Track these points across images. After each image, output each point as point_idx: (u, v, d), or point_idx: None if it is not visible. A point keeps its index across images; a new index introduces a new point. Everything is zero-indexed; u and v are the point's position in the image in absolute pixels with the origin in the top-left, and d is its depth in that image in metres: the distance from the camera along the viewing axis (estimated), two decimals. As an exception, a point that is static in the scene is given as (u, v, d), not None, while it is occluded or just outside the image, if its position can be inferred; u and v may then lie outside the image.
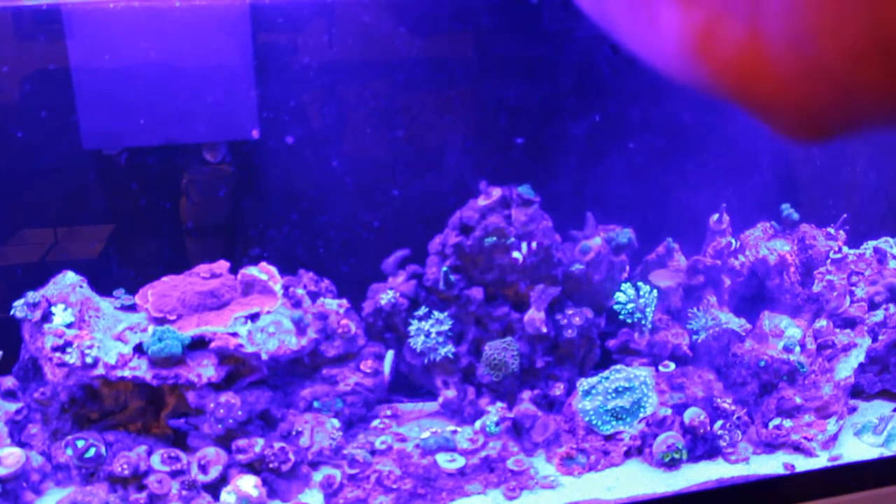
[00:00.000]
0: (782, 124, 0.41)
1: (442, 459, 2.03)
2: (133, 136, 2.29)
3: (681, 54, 0.41)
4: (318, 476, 2.07)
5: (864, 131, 0.41)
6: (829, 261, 2.51)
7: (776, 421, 2.24)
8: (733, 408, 2.24)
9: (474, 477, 2.06)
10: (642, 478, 2.14)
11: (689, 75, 0.42)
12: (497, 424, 2.12)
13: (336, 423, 2.15)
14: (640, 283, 2.34)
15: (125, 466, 1.92)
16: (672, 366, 2.30)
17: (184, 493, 1.92)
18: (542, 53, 2.47)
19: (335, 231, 2.48)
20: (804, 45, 0.37)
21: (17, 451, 1.95)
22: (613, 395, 2.23)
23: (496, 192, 2.24)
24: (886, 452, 2.23)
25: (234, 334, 2.05)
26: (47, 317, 2.02)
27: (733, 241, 2.51)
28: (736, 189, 2.63)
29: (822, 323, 2.39)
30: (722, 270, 2.52)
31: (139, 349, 2.00)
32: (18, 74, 2.20)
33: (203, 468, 1.98)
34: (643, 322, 2.32)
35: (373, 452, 2.08)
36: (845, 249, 2.55)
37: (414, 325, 2.25)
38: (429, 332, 2.23)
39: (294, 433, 2.10)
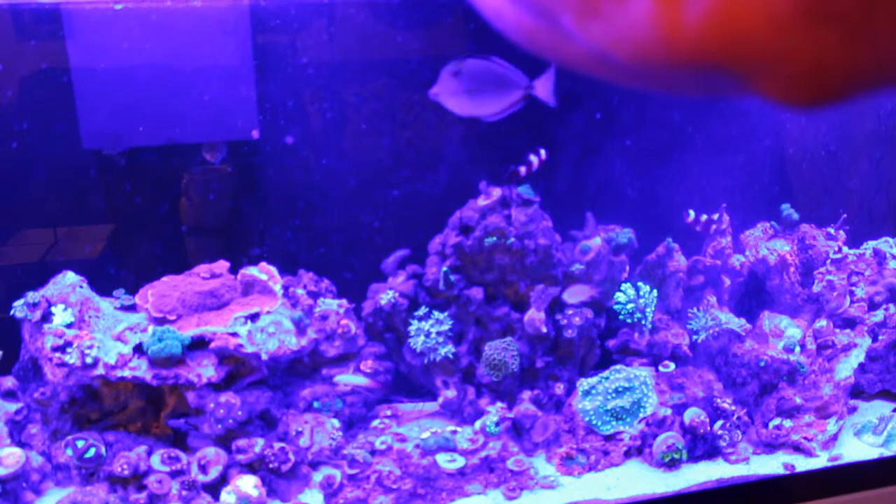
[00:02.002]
0: (778, 86, 0.33)
1: (442, 459, 2.03)
2: (133, 136, 2.29)
3: (649, 28, 0.34)
4: (318, 476, 2.07)
5: (876, 90, 0.33)
6: (829, 261, 2.51)
7: (776, 421, 2.24)
8: (733, 408, 2.24)
9: (474, 477, 2.06)
10: (642, 478, 2.14)
11: (659, 55, 0.34)
12: (497, 424, 2.12)
13: (336, 423, 2.15)
14: (640, 283, 2.34)
15: (125, 466, 1.92)
16: (672, 366, 2.30)
17: (184, 493, 1.92)
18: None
19: (335, 231, 2.48)
20: None
21: (17, 451, 1.95)
22: (613, 395, 2.23)
23: (496, 192, 2.24)
24: (886, 452, 2.23)
25: (234, 334, 2.05)
26: (47, 317, 2.02)
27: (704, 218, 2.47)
28: (736, 189, 2.63)
29: (822, 323, 2.39)
30: (722, 270, 2.52)
31: (139, 349, 2.00)
32: (18, 74, 2.20)
33: (203, 468, 1.98)
34: (643, 322, 2.32)
35: (373, 452, 2.08)
36: (845, 249, 2.55)
37: (414, 325, 2.25)
38: (429, 332, 2.23)
39: (294, 433, 2.10)
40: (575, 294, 2.26)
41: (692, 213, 2.36)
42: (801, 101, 0.33)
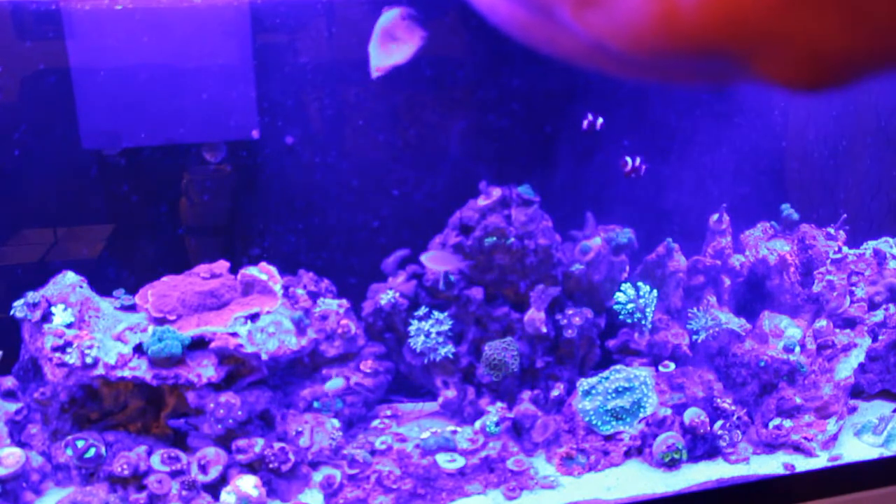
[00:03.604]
0: (778, 69, 0.33)
1: (442, 459, 2.03)
2: (133, 136, 2.29)
3: (646, 14, 0.33)
4: (318, 476, 2.07)
5: (876, 73, 0.33)
6: (829, 261, 2.51)
7: (776, 421, 2.24)
8: (733, 408, 2.24)
9: (474, 477, 2.06)
10: (642, 478, 2.14)
11: (658, 42, 0.34)
12: (497, 424, 2.12)
13: (336, 423, 2.15)
14: (640, 283, 2.34)
15: (125, 466, 1.92)
16: (672, 366, 2.30)
17: (184, 493, 1.92)
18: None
19: (335, 231, 2.48)
20: None
21: (17, 451, 1.95)
22: (613, 395, 2.23)
23: (496, 192, 2.24)
24: (886, 452, 2.23)
25: (234, 334, 2.05)
26: (47, 317, 2.02)
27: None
28: (736, 188, 2.63)
29: (822, 323, 2.39)
30: (722, 270, 2.52)
31: (139, 349, 2.00)
32: (18, 74, 2.20)
33: (203, 468, 1.98)
34: (643, 322, 2.32)
35: (373, 452, 2.08)
36: (845, 249, 2.55)
37: (414, 325, 2.24)
38: (429, 332, 2.23)
39: (294, 433, 2.10)
40: (435, 260, 2.23)
41: (629, 161, 2.28)
42: (801, 85, 0.33)
